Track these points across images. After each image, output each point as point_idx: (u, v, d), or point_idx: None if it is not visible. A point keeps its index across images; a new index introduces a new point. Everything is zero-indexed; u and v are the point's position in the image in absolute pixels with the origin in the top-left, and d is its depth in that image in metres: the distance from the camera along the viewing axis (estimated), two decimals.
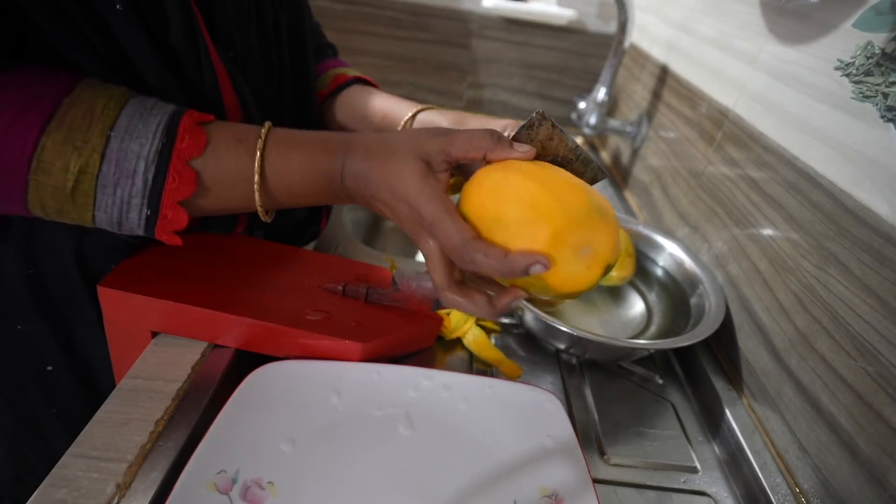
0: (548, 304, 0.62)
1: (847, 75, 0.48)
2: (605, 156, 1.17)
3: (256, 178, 0.39)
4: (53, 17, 0.35)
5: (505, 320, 0.61)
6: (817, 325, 0.46)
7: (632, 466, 0.49)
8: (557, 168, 0.37)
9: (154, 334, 0.44)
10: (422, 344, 0.52)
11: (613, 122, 1.00)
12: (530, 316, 0.56)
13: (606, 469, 0.48)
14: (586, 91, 1.13)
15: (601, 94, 0.97)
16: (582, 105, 1.00)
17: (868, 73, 0.45)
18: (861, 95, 0.46)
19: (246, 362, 0.43)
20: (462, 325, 0.54)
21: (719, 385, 0.56)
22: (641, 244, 0.72)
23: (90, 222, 0.38)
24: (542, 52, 1.24)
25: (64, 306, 0.47)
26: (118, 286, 0.41)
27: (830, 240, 0.46)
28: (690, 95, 0.80)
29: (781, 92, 0.57)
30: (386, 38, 1.23)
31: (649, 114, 0.95)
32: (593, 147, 1.23)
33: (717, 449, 0.52)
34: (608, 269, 0.35)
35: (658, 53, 0.96)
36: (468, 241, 0.34)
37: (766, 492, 0.45)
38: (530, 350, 0.59)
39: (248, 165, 0.39)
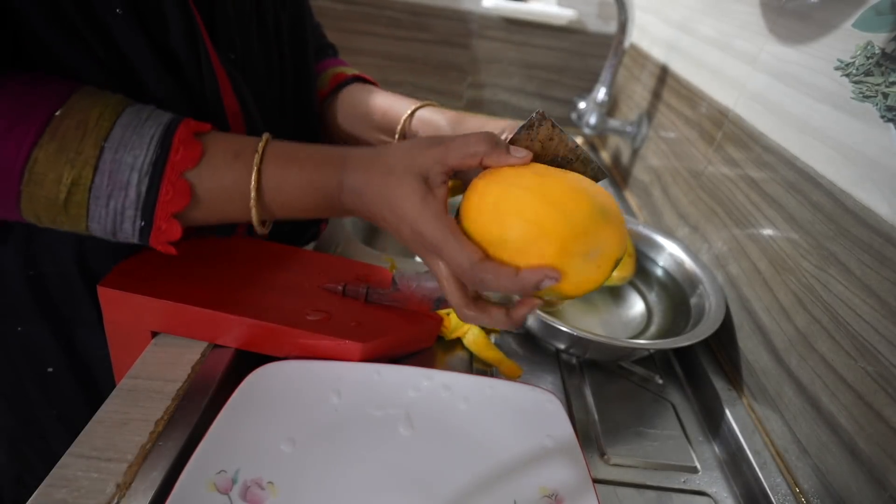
0: (548, 304, 0.62)
1: (847, 75, 0.48)
2: (605, 156, 1.17)
3: (253, 194, 0.39)
4: (52, 22, 0.35)
5: None
6: (817, 325, 0.46)
7: (632, 466, 0.49)
8: (556, 171, 0.36)
9: (154, 334, 0.44)
10: (422, 344, 0.52)
11: (613, 122, 1.00)
12: (530, 316, 0.56)
13: (606, 469, 0.48)
14: (586, 91, 1.13)
15: (601, 94, 0.97)
16: (582, 105, 1.00)
17: (868, 73, 0.45)
18: (861, 95, 0.46)
19: (246, 362, 0.43)
20: (462, 325, 0.54)
21: (719, 385, 0.56)
22: (641, 244, 0.72)
23: (85, 232, 0.38)
24: (542, 52, 1.24)
25: (64, 307, 0.47)
26: (118, 286, 0.41)
27: (830, 240, 0.46)
28: (690, 95, 0.80)
29: (781, 92, 0.57)
30: (386, 38, 1.23)
31: (649, 114, 0.95)
32: (593, 147, 1.23)
33: (717, 449, 0.52)
34: (618, 262, 0.36)
35: (658, 53, 0.96)
36: (476, 263, 0.34)
37: (766, 492, 0.45)
38: (530, 350, 0.59)
39: (244, 181, 0.39)
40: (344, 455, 0.39)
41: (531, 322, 0.57)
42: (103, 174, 0.36)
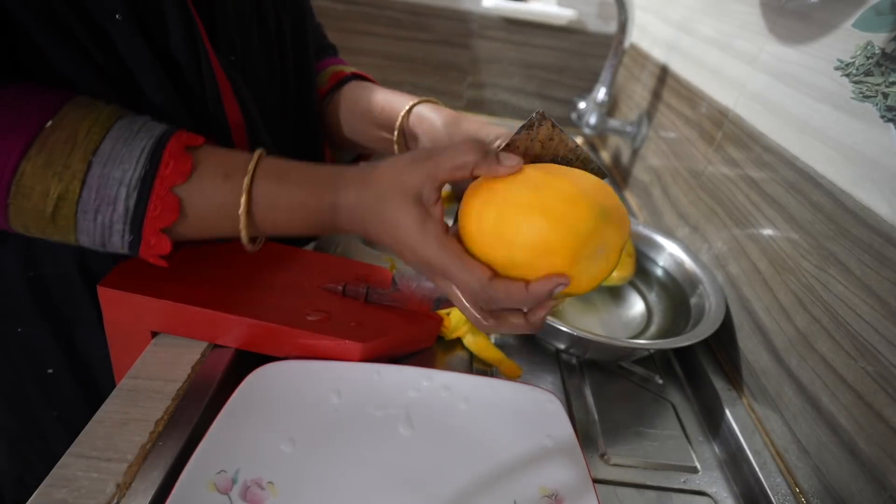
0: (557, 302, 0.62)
1: (847, 75, 0.48)
2: (605, 156, 1.17)
3: (243, 218, 0.38)
4: (49, 28, 0.35)
5: None
6: (817, 325, 0.46)
7: (632, 466, 0.49)
8: (550, 176, 0.35)
9: (154, 334, 0.44)
10: (422, 344, 0.52)
11: (613, 122, 1.00)
12: None
13: (606, 469, 0.48)
14: (586, 91, 1.13)
15: (601, 94, 0.97)
16: (582, 105, 1.00)
17: (868, 73, 0.45)
18: (861, 95, 0.46)
19: (246, 362, 0.43)
20: (462, 325, 0.54)
21: (719, 385, 0.56)
22: (641, 244, 0.72)
23: (74, 243, 0.38)
24: (542, 52, 1.24)
25: (64, 307, 0.47)
26: (118, 286, 0.41)
27: (830, 240, 0.46)
28: (690, 95, 0.80)
29: (781, 92, 0.57)
30: (386, 38, 1.23)
31: (649, 114, 0.95)
32: (593, 147, 1.23)
33: (717, 449, 0.52)
34: (623, 248, 0.36)
35: (658, 53, 0.96)
36: (486, 284, 0.34)
37: (766, 492, 0.45)
38: (530, 350, 0.59)
39: (233, 203, 0.38)
40: (344, 455, 0.39)
41: None
42: (91, 188, 0.35)
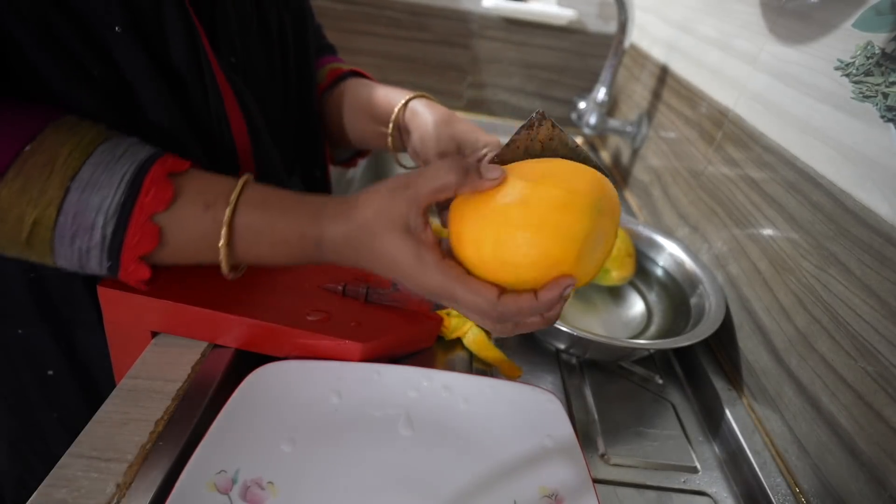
0: None
1: (847, 75, 0.48)
2: (605, 156, 1.17)
3: (223, 252, 0.37)
4: (44, 42, 0.34)
5: None
6: (817, 325, 0.46)
7: (632, 466, 0.49)
8: (538, 182, 0.34)
9: (154, 334, 0.44)
10: (422, 344, 0.52)
11: (613, 122, 1.00)
12: None
13: (606, 469, 0.48)
14: (586, 91, 1.13)
15: (601, 94, 0.97)
16: (582, 105, 1.00)
17: (868, 73, 0.45)
18: (861, 95, 0.46)
19: (246, 362, 0.43)
20: (462, 325, 0.54)
21: (719, 385, 0.56)
22: (641, 244, 0.72)
23: (53, 265, 0.37)
24: (542, 52, 1.24)
25: (65, 308, 0.47)
26: (118, 286, 0.41)
27: (830, 240, 0.46)
28: (690, 95, 0.80)
29: (781, 92, 0.57)
30: (386, 38, 1.23)
31: (649, 114, 0.95)
32: (593, 147, 1.23)
33: (717, 449, 0.52)
34: (617, 227, 0.37)
35: (658, 53, 0.96)
36: (496, 303, 0.34)
37: (766, 492, 0.45)
38: (530, 350, 0.59)
39: (213, 235, 0.37)
40: (344, 455, 0.39)
41: None
42: (67, 215, 0.34)
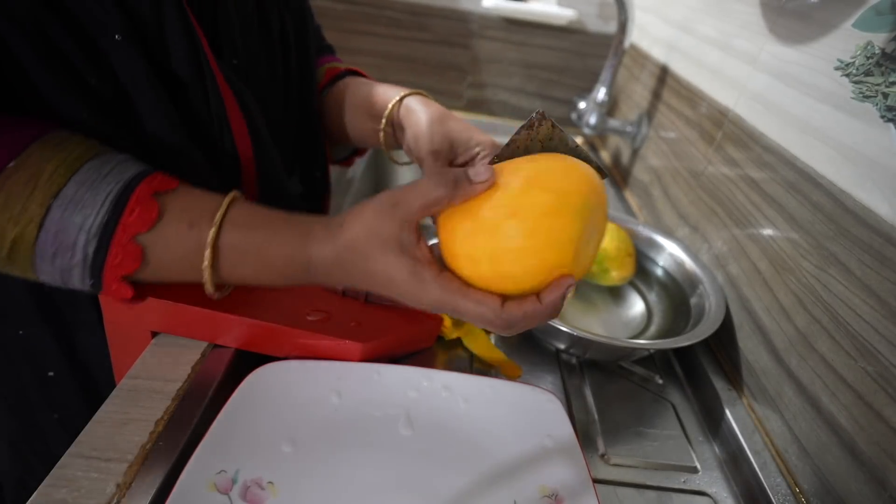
0: None
1: (847, 75, 0.48)
2: (605, 156, 1.17)
3: (206, 273, 0.37)
4: (39, 51, 0.33)
5: None
6: (817, 325, 0.46)
7: (632, 466, 0.49)
8: (527, 190, 0.33)
9: (154, 334, 0.44)
10: (422, 344, 0.52)
11: (613, 122, 1.00)
12: None
13: (606, 469, 0.48)
14: (586, 91, 1.13)
15: (601, 94, 0.97)
16: (582, 105, 1.00)
17: (868, 73, 0.45)
18: (861, 95, 0.46)
19: (246, 362, 0.43)
20: (462, 325, 0.54)
21: (719, 385, 0.56)
22: (641, 244, 0.72)
23: (36, 280, 0.37)
24: (542, 52, 1.24)
25: (65, 309, 0.47)
26: None
27: (830, 240, 0.46)
28: (690, 95, 0.80)
29: (781, 92, 0.57)
30: (386, 38, 1.23)
31: (649, 114, 0.95)
32: (593, 147, 1.23)
33: (717, 449, 0.52)
34: (606, 216, 0.37)
35: (658, 53, 0.96)
36: (500, 311, 0.33)
37: (766, 492, 0.45)
38: (530, 350, 0.59)
39: (197, 256, 0.36)
40: (344, 455, 0.39)
41: None
42: (48, 233, 0.34)
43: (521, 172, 0.34)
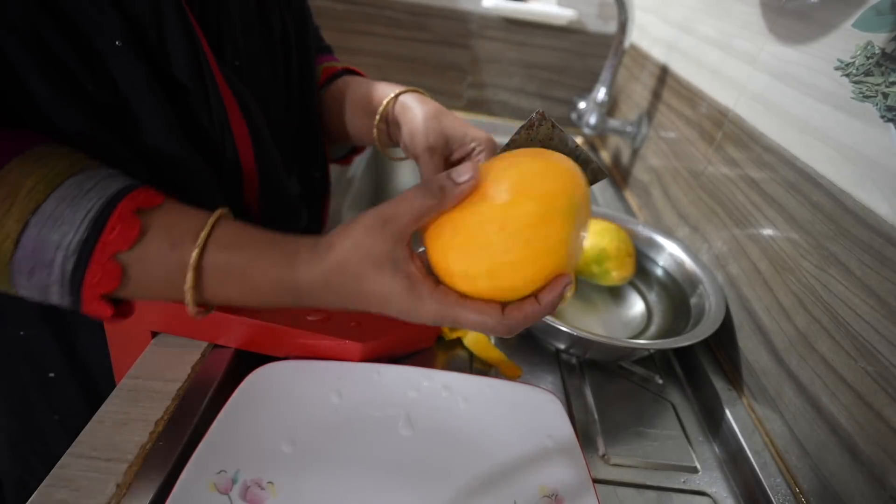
0: None
1: (847, 75, 0.48)
2: (605, 156, 1.17)
3: (188, 295, 0.35)
4: (35, 58, 0.33)
5: None
6: (817, 325, 0.46)
7: (632, 466, 0.49)
8: (513, 200, 0.32)
9: (154, 334, 0.44)
10: (422, 344, 0.52)
11: (613, 122, 1.00)
12: None
13: (606, 469, 0.48)
14: (586, 91, 1.13)
15: (601, 94, 0.97)
16: (582, 105, 1.00)
17: (868, 73, 0.45)
18: (861, 95, 0.46)
19: (246, 362, 0.43)
20: None
21: (719, 385, 0.56)
22: (641, 244, 0.72)
23: (16, 295, 0.36)
24: (542, 52, 1.24)
25: (66, 311, 0.47)
26: None
27: (830, 240, 0.46)
28: (690, 95, 0.80)
29: (781, 92, 0.57)
30: (386, 38, 1.23)
31: (649, 114, 0.95)
32: (593, 147, 1.23)
33: (717, 449, 0.52)
34: (590, 207, 0.36)
35: (658, 53, 0.96)
36: (501, 318, 0.33)
37: (766, 492, 0.45)
38: (530, 350, 0.59)
39: (178, 277, 0.35)
40: (344, 455, 0.39)
41: None
42: (25, 249, 0.33)
43: (504, 181, 0.33)
